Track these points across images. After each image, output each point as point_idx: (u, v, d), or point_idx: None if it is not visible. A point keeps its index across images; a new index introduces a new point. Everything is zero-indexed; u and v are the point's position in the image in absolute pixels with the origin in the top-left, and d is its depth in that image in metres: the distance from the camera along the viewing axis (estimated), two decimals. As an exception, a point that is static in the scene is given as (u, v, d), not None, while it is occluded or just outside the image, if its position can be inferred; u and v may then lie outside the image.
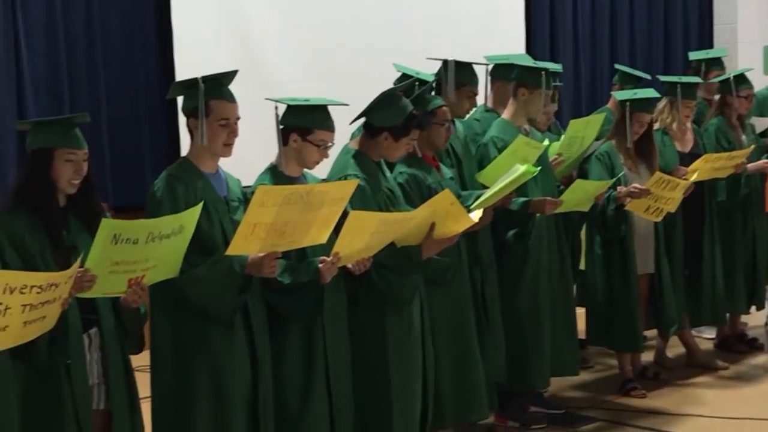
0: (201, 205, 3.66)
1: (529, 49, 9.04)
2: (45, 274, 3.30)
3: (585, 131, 5.94)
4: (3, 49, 6.90)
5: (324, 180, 4.39)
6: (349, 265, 4.08)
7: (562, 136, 6.04)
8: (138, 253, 3.46)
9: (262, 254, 3.78)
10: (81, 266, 3.36)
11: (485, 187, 5.05)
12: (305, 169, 4.23)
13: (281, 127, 4.11)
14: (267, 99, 4.09)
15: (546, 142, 5.46)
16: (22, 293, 3.10)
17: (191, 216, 3.61)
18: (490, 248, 5.25)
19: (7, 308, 3.10)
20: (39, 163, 3.68)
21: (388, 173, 4.62)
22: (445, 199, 4.33)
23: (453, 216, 4.39)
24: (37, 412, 3.63)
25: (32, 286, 3.13)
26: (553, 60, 8.84)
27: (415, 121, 4.48)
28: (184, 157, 4.04)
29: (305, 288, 3.99)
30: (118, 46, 7.53)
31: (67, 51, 7.23)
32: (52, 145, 3.67)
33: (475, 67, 5.48)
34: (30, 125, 3.81)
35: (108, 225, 3.35)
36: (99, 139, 7.20)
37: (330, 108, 4.19)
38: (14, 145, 6.77)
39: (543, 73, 5.40)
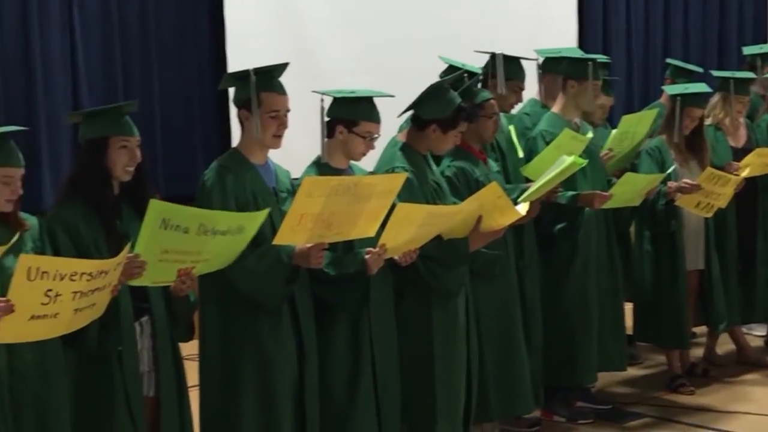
0: (267, 211, 3.70)
1: (582, 44, 9.00)
2: (95, 261, 3.34)
3: (637, 127, 5.90)
4: (59, 43, 7.03)
5: (371, 173, 4.40)
6: (396, 257, 4.09)
7: (613, 131, 6.01)
8: (189, 243, 3.48)
9: (309, 245, 3.80)
10: (130, 252, 3.40)
11: (529, 181, 5.05)
12: (352, 161, 4.25)
13: (327, 119, 4.13)
14: (314, 91, 4.12)
15: (590, 135, 5.43)
16: (72, 280, 3.15)
17: (254, 220, 3.64)
18: (532, 242, 5.24)
19: (57, 295, 3.14)
20: (93, 152, 3.72)
21: (434, 166, 4.63)
22: (492, 191, 4.33)
23: (500, 209, 4.39)
24: (89, 398, 3.69)
25: (82, 273, 3.17)
26: (606, 55, 8.78)
27: (464, 113, 4.48)
28: (234, 148, 4.08)
29: (351, 279, 4.01)
30: (172, 39, 7.62)
31: (121, 45, 7.34)
32: (106, 133, 3.71)
33: (526, 61, 5.48)
34: (81, 116, 3.87)
35: (156, 206, 3.36)
36: (152, 132, 7.29)
37: (378, 100, 4.20)
38: (69, 139, 6.89)
39: (590, 63, 5.38)
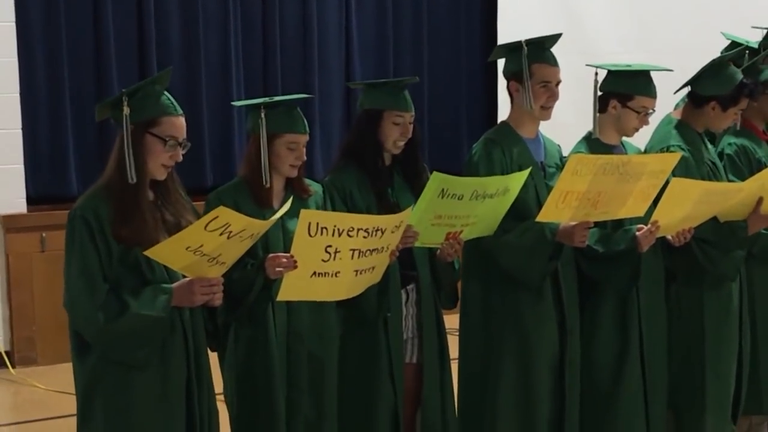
0: (529, 170, 3.73)
1: None
2: (371, 217, 3.46)
3: None
4: (335, 19, 7.29)
5: (644, 151, 4.29)
6: (669, 236, 3.98)
7: None
8: (460, 208, 3.57)
9: (573, 223, 3.77)
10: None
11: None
12: (624, 138, 4.17)
13: (600, 93, 4.07)
14: (587, 65, 4.07)
15: None
16: (349, 236, 3.23)
17: (518, 179, 3.68)
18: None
19: (337, 251, 3.24)
20: (368, 123, 3.87)
21: (709, 145, 4.47)
22: (774, 172, 4.15)
23: (783, 191, 4.20)
24: (355, 359, 3.84)
25: (359, 229, 3.25)
26: None
27: (746, 89, 4.30)
28: (503, 122, 4.09)
29: (621, 256, 3.94)
30: (443, 15, 7.73)
31: (393, 20, 7.51)
32: (382, 106, 3.85)
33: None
34: (362, 86, 4.02)
35: (438, 178, 3.48)
36: (419, 106, 7.39)
37: (653, 77, 4.09)
38: (340, 111, 7.11)
39: None
